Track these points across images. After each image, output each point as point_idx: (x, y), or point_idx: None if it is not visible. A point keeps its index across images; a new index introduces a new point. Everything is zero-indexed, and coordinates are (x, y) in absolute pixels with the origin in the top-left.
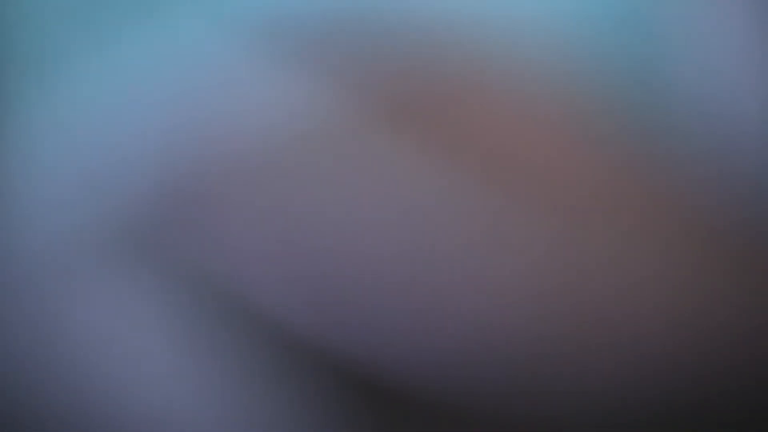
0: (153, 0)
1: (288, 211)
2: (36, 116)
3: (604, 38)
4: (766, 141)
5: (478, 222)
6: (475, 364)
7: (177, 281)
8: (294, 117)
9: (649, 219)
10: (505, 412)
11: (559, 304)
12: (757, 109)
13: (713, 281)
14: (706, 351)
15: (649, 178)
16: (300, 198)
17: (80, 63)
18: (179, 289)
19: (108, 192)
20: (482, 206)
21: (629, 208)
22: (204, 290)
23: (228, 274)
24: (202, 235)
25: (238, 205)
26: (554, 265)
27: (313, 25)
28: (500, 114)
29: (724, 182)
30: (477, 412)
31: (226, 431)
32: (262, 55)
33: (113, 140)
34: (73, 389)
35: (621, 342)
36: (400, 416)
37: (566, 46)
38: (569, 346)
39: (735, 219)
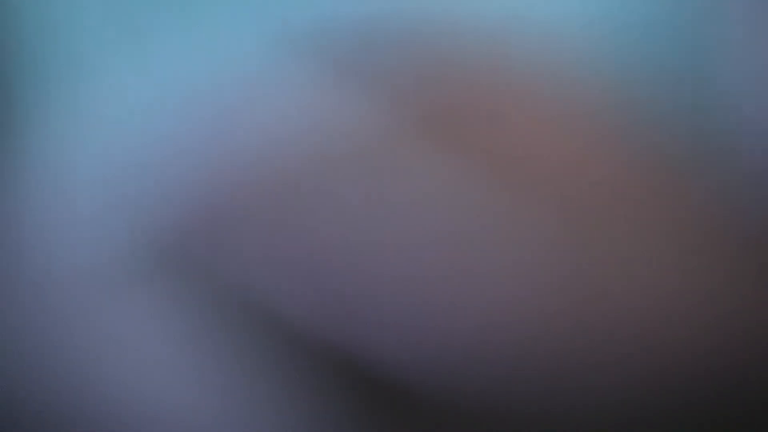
0: (189, 10)
1: (310, 219)
2: (67, 127)
3: (628, 41)
4: None
5: (498, 226)
6: (480, 363)
7: (200, 292)
8: (326, 128)
9: (660, 220)
10: (508, 411)
11: (566, 304)
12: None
13: (720, 282)
14: (706, 350)
15: (664, 179)
16: (326, 207)
17: (114, 72)
18: (201, 300)
19: (137, 203)
20: (507, 212)
21: (641, 209)
22: (227, 301)
23: (251, 284)
24: (231, 247)
25: (265, 215)
26: (567, 266)
27: (346, 35)
28: (533, 121)
29: (739, 184)
30: (481, 411)
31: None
32: (295, 66)
33: (143, 152)
34: (91, 397)
35: (625, 342)
36: (404, 415)
37: (592, 49)
38: (573, 346)
39: (744, 220)
